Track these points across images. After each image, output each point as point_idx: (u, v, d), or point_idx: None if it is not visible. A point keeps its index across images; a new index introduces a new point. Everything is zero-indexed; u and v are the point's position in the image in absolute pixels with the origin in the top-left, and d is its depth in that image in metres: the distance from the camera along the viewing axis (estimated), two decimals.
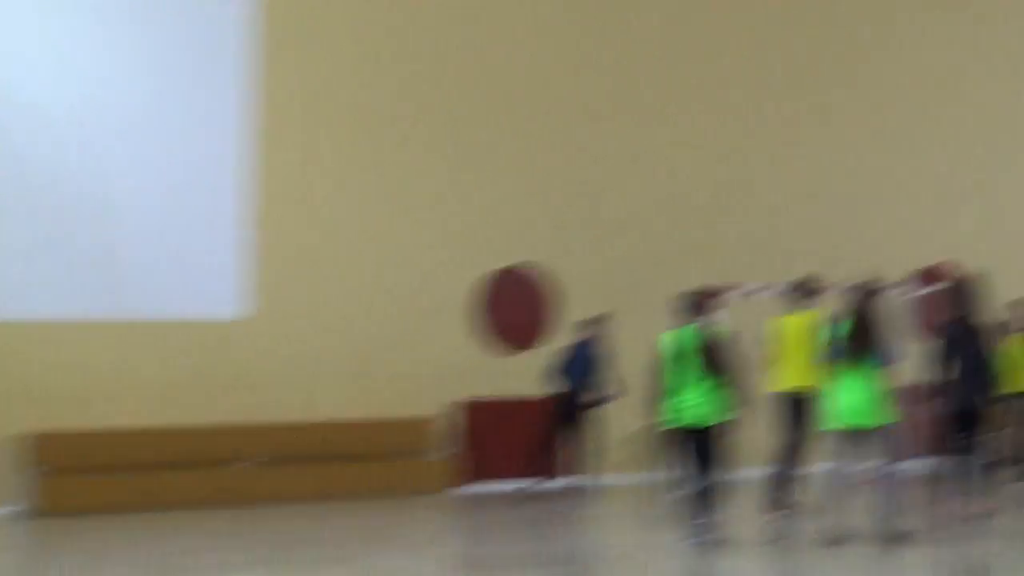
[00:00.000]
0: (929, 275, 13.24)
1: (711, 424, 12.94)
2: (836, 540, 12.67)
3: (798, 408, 14.62)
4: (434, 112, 20.11)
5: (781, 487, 14.54)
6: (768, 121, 21.67)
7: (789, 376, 14.67)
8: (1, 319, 17.27)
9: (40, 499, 17.09)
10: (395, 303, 19.68)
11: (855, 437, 12.76)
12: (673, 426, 13.10)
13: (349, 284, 19.39)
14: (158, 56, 18.14)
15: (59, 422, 17.43)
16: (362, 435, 18.91)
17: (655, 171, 21.08)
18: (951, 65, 22.73)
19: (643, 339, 16.50)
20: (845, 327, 12.83)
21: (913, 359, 13.86)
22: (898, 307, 12.89)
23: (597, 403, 18.66)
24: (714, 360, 12.87)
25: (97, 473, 17.40)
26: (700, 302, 13.27)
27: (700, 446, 12.93)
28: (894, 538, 12.49)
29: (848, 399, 12.66)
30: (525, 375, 19.54)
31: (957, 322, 13.70)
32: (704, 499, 12.89)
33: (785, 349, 14.75)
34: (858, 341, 12.62)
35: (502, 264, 20.28)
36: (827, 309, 14.48)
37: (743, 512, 14.63)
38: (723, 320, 14.23)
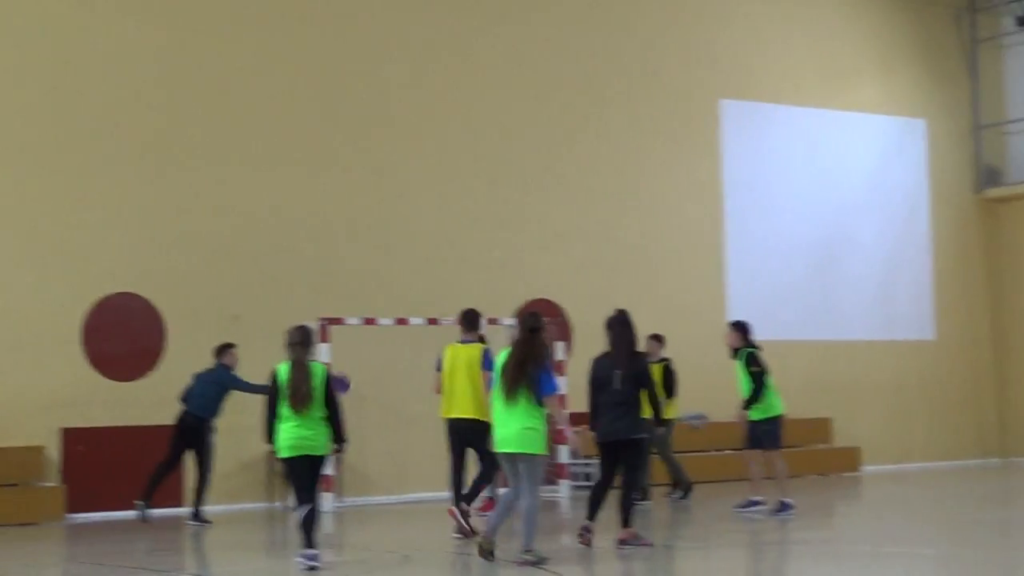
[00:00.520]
0: (530, 311, 13.54)
1: (322, 454, 13.19)
2: (489, 554, 12.93)
3: (464, 435, 15.21)
4: (36, 140, 20.12)
5: (468, 502, 15.29)
6: (378, 164, 22.39)
7: (456, 405, 15.24)
8: None
9: None
10: (1, 330, 19.48)
11: (514, 463, 13.10)
12: (286, 455, 13.11)
13: None
14: None
15: None
16: None
17: (257, 204, 21.51)
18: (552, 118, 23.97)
19: (263, 367, 16.98)
20: (502, 359, 13.10)
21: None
22: (550, 342, 13.11)
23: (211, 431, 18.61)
24: (326, 393, 13.12)
25: None
26: (307, 335, 13.25)
27: (311, 473, 13.11)
28: (534, 561, 12.79)
29: (502, 429, 12.93)
30: (135, 403, 19.66)
31: (605, 356, 14.00)
32: (310, 523, 13.04)
33: (454, 379, 15.25)
34: (513, 372, 12.83)
35: (111, 292, 20.28)
36: (489, 342, 15.21)
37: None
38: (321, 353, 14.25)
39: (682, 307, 24.07)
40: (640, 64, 24.94)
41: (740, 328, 17.71)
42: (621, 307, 14.31)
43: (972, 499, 20.50)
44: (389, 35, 22.77)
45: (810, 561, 13.16)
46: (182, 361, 19.68)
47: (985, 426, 28.32)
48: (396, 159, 22.52)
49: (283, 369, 13.12)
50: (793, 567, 12.83)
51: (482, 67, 23.42)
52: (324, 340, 19.65)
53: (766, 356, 17.51)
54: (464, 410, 15.11)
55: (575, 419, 16.87)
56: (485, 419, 14.16)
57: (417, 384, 21.51)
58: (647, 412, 13.95)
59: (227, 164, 21.29)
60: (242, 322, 20.57)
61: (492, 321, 20.96)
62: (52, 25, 20.46)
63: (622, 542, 13.80)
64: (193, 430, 18.10)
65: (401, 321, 20.84)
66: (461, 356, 15.29)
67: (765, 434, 17.24)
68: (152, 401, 20.02)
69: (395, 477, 21.76)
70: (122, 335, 20.33)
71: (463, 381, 15.08)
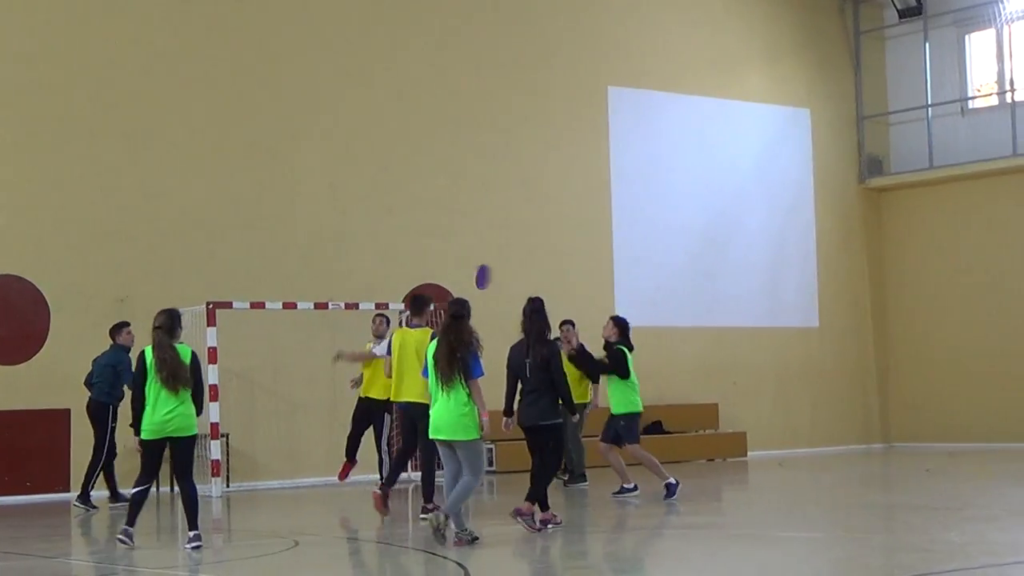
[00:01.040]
0: (456, 299, 13.57)
1: (187, 435, 13.17)
2: (442, 538, 12.97)
3: (415, 419, 15.22)
4: None
5: (391, 480, 15.47)
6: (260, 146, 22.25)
7: (406, 388, 15.29)
8: None
9: None
10: None
11: (450, 448, 13.12)
12: (149, 437, 13.10)
13: None
14: None
15: None
16: None
17: (144, 187, 21.31)
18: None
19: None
20: (431, 349, 13.18)
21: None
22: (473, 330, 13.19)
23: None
24: (194, 375, 13.07)
25: None
26: (172, 318, 13.25)
27: (176, 455, 13.16)
28: (468, 541, 12.82)
29: (437, 416, 13.02)
30: (20, 387, 19.41)
31: (521, 343, 14.09)
32: (137, 504, 13.15)
33: (403, 363, 15.28)
34: (445, 359, 12.90)
35: None
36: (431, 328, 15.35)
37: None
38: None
39: (570, 293, 24.15)
40: (529, 51, 25.00)
41: (620, 324, 17.83)
42: (535, 295, 14.42)
43: (856, 484, 20.81)
44: (278, 19, 22.61)
45: (698, 545, 13.28)
46: (67, 344, 19.45)
47: (868, 412, 28.78)
48: (285, 143, 22.38)
49: (149, 352, 13.15)
50: (680, 551, 12.94)
51: (372, 52, 23.33)
52: (211, 324, 19.50)
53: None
54: (415, 394, 15.16)
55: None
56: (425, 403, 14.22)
57: (306, 369, 21.53)
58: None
59: (112, 147, 21.04)
60: (128, 305, 20.32)
61: (381, 306, 20.96)
62: None
63: (519, 513, 13.84)
64: (93, 416, 17.93)
65: (289, 305, 20.74)
66: (410, 341, 15.32)
67: (624, 429, 17.35)
68: (37, 385, 19.78)
69: (284, 462, 21.66)
70: (5, 318, 20.02)
71: (412, 365, 15.08)
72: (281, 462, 21.64)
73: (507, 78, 24.72)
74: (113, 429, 17.95)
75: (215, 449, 19.48)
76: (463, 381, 12.92)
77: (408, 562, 12.98)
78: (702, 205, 26.80)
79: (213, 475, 19.36)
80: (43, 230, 20.51)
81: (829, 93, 28.87)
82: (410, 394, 15.27)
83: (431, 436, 13.25)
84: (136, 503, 13.31)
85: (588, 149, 25.52)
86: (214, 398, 19.25)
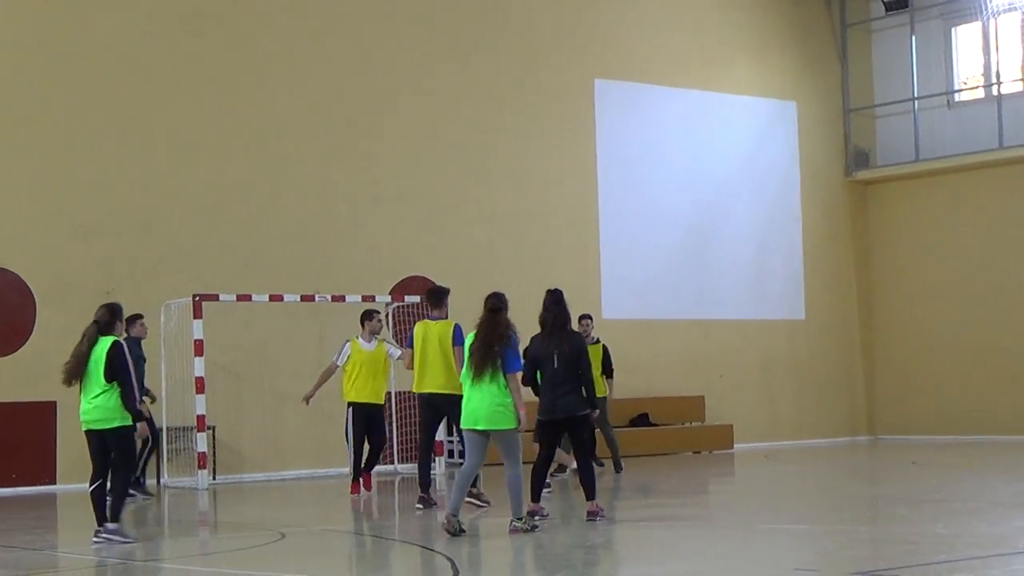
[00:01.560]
0: (494, 292, 13.57)
1: (108, 428, 13.16)
2: (460, 531, 13.01)
3: (439, 409, 15.60)
4: None
5: (423, 479, 15.61)
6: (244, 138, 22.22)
7: (429, 379, 15.52)
8: None
9: None
10: None
11: (480, 438, 13.13)
12: (84, 430, 13.32)
13: None
14: None
15: None
16: None
17: (130, 179, 21.24)
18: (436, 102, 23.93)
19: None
20: (470, 340, 13.22)
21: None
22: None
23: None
24: (111, 367, 13.07)
25: None
26: (110, 312, 13.34)
27: (101, 448, 13.21)
28: (526, 528, 12.89)
29: (471, 407, 13.05)
30: (5, 379, 19.39)
31: (544, 335, 14.04)
32: (118, 499, 13.21)
33: (426, 355, 15.52)
34: (481, 352, 12.95)
35: None
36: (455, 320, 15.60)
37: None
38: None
39: (556, 286, 24.02)
40: (516, 44, 24.97)
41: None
42: (554, 287, 14.49)
43: (843, 476, 20.84)
44: (265, 11, 22.55)
45: (685, 537, 13.28)
46: (54, 337, 19.40)
47: (854, 404, 28.82)
48: (271, 135, 22.33)
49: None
50: (667, 543, 12.94)
51: (358, 45, 23.28)
52: (197, 316, 19.48)
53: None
54: (438, 385, 15.50)
55: None
56: (458, 393, 14.32)
57: (292, 361, 21.53)
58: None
59: (98, 139, 20.99)
60: (114, 297, 20.22)
61: (367, 298, 20.95)
62: None
63: (591, 514, 13.89)
64: None
65: (275, 298, 20.72)
66: (433, 333, 15.61)
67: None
68: (24, 377, 19.73)
69: (270, 454, 21.64)
70: None
71: (435, 356, 15.45)
72: (267, 455, 21.62)
73: (493, 70, 24.68)
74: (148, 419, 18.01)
75: (201, 442, 19.46)
76: (497, 373, 12.95)
77: (396, 554, 12.99)
78: (689, 198, 26.80)
79: (199, 467, 19.35)
80: (29, 222, 20.46)
81: (816, 86, 28.88)
82: (432, 385, 15.57)
83: (464, 426, 13.28)
84: (93, 500, 13.28)
85: (575, 142, 25.50)
86: (200, 391, 19.24)
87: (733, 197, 27.43)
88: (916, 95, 28.56)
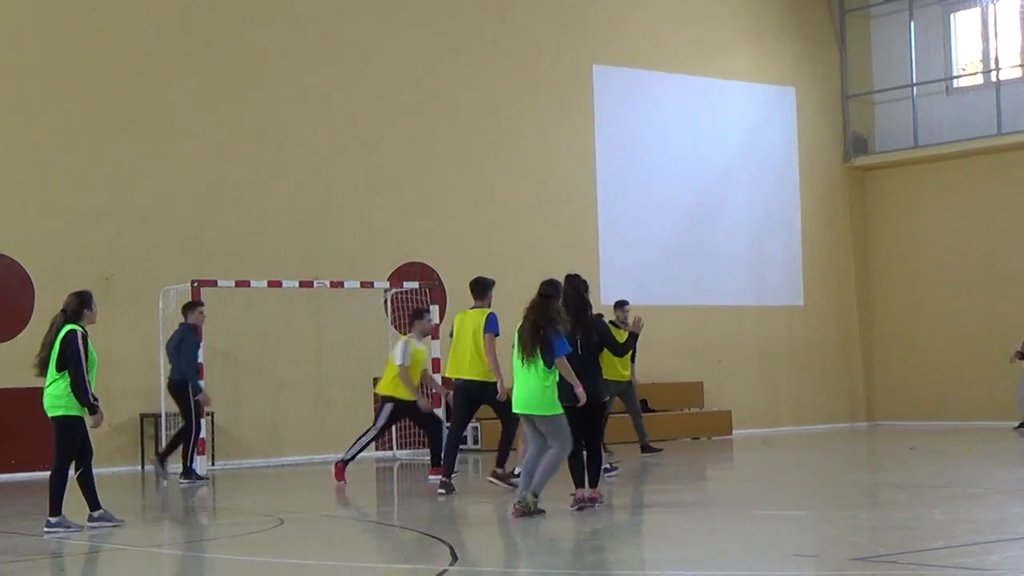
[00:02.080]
0: (548, 279, 13.60)
1: (52, 416, 13.09)
2: (524, 512, 13.08)
3: (470, 394, 15.82)
4: None
5: (448, 461, 15.87)
6: (250, 130, 22.16)
7: (464, 366, 15.79)
8: None
9: None
10: None
11: (533, 422, 13.30)
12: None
13: None
14: None
15: None
16: None
17: (129, 165, 21.22)
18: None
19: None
20: (520, 325, 13.35)
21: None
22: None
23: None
24: (63, 356, 13.01)
25: None
26: (78, 300, 13.31)
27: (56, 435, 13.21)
28: (528, 511, 12.98)
29: (520, 391, 13.25)
30: (3, 365, 19.37)
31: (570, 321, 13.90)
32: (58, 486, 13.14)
33: (460, 342, 15.84)
34: (529, 336, 13.10)
35: None
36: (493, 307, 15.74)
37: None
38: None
39: (555, 272, 23.80)
40: (514, 30, 24.93)
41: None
42: (574, 272, 14.49)
43: (841, 462, 20.87)
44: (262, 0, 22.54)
45: (684, 523, 13.30)
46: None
47: (853, 390, 28.83)
48: (269, 121, 22.30)
49: None
50: (667, 528, 12.96)
51: (357, 32, 23.25)
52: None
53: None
54: (468, 371, 15.86)
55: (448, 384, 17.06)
56: (488, 379, 15.17)
57: (290, 347, 21.53)
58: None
59: (97, 126, 20.96)
60: (113, 283, 20.29)
61: (366, 284, 20.95)
62: None
63: (591, 500, 13.89)
64: (174, 393, 18.28)
65: (274, 284, 20.71)
66: (468, 321, 15.97)
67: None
68: (21, 363, 19.56)
69: (269, 440, 21.64)
70: None
71: (467, 343, 15.81)
72: (266, 441, 21.62)
73: (492, 57, 24.64)
74: (197, 403, 18.21)
75: (200, 428, 19.41)
76: (544, 357, 13.10)
77: (395, 540, 13.00)
78: (687, 184, 26.79)
79: (199, 453, 19.32)
80: (28, 208, 20.44)
81: (814, 72, 28.84)
82: (463, 371, 15.87)
83: (515, 410, 13.55)
84: (80, 487, 13.26)
85: (573, 128, 25.47)
86: (200, 377, 19.21)
87: (732, 183, 27.42)
88: (915, 81, 28.54)
